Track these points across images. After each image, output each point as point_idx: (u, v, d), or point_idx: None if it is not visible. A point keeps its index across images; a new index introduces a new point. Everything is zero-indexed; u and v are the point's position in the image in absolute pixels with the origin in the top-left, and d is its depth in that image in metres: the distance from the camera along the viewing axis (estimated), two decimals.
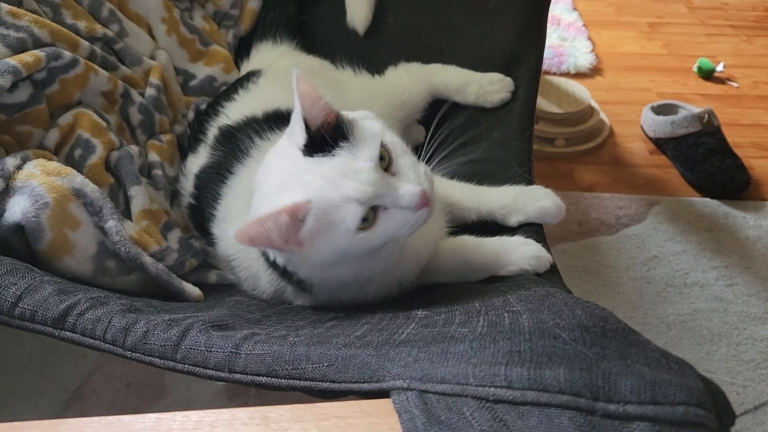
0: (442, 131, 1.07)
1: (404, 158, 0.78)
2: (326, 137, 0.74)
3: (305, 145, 0.76)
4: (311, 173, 0.74)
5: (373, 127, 0.78)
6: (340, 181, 0.73)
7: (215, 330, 0.67)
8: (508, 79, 1.23)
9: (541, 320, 0.57)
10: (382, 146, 0.76)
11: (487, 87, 1.22)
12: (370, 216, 0.74)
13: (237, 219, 0.96)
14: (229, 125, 1.07)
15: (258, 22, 1.45)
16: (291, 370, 0.60)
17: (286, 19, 1.39)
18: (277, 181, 0.77)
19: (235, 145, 1.02)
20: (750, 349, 1.42)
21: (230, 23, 1.44)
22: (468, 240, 0.92)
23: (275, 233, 0.72)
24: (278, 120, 1.03)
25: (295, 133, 0.78)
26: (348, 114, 0.79)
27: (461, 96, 1.24)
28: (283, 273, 0.84)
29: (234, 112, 1.10)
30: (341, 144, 0.74)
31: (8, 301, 0.67)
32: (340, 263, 0.77)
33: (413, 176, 0.76)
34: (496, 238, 0.91)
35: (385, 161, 0.76)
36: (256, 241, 0.72)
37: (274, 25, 1.37)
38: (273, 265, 0.85)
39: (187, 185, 1.08)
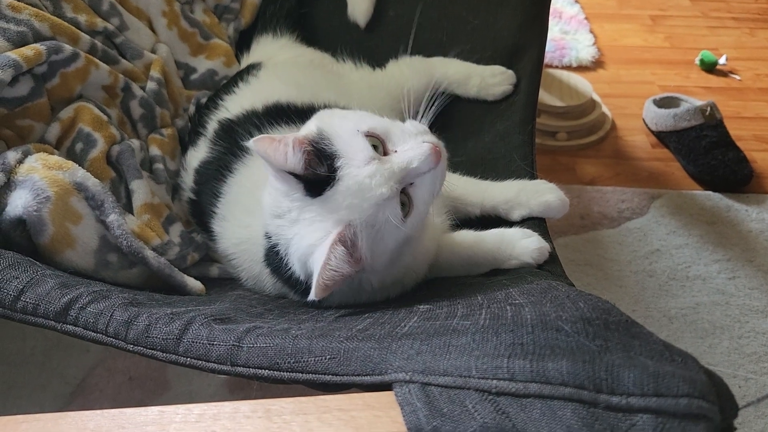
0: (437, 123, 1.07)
1: (393, 130, 0.77)
2: (316, 171, 0.73)
3: (306, 189, 0.74)
4: (337, 206, 0.73)
5: (345, 126, 0.76)
6: (361, 196, 0.72)
7: (217, 323, 0.67)
8: (510, 72, 1.22)
9: (543, 313, 0.57)
10: (368, 136, 0.75)
11: (489, 80, 1.22)
12: (405, 200, 0.74)
13: (238, 218, 0.96)
14: (229, 119, 1.07)
15: (259, 15, 1.44)
16: (293, 363, 0.60)
17: (287, 12, 1.39)
18: (294, 219, 0.76)
19: (235, 140, 1.02)
20: (752, 342, 1.42)
21: (231, 16, 1.43)
22: (468, 236, 0.91)
23: (342, 266, 0.71)
24: (278, 114, 1.02)
25: (281, 189, 0.76)
26: (314, 129, 0.76)
27: (463, 89, 1.24)
28: (287, 280, 0.83)
29: (234, 105, 1.10)
30: (335, 165, 0.73)
31: (10, 295, 0.67)
32: (398, 256, 0.77)
33: (411, 141, 0.75)
34: (495, 232, 0.90)
35: (379, 147, 0.75)
36: (333, 285, 0.71)
37: (275, 18, 1.37)
38: (276, 272, 0.84)
39: (188, 179, 1.08)
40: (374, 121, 0.77)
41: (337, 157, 0.73)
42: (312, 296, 0.70)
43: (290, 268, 0.79)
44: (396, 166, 0.72)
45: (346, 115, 0.80)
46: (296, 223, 0.75)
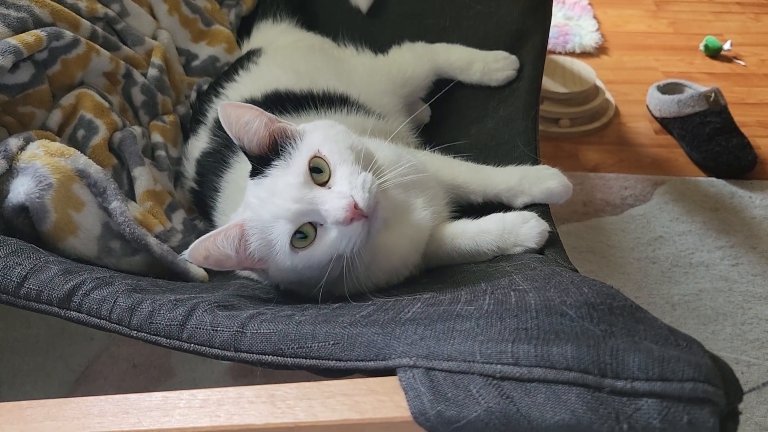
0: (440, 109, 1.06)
1: (344, 168, 0.75)
2: (265, 157, 0.77)
3: (251, 170, 0.78)
4: (253, 194, 0.76)
5: (312, 139, 0.77)
6: (269, 199, 0.74)
7: (221, 309, 0.67)
8: (513, 57, 1.21)
9: (547, 298, 0.57)
10: (318, 158, 0.75)
11: (492, 65, 1.21)
12: (311, 233, 0.74)
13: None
14: None
15: (260, 0, 1.43)
16: (297, 348, 0.60)
17: None
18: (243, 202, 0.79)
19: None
20: (755, 328, 1.42)
21: (232, 2, 1.42)
22: (468, 227, 0.90)
23: (229, 251, 0.74)
24: (277, 102, 1.02)
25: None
26: (300, 126, 0.79)
27: (466, 74, 1.23)
28: None
29: (234, 93, 1.10)
30: (274, 162, 0.76)
31: (14, 281, 0.67)
32: (302, 278, 0.77)
33: (345, 187, 0.73)
34: (495, 221, 0.88)
35: (325, 174, 0.75)
36: (210, 259, 0.74)
37: (275, 3, 1.36)
38: None
39: (190, 169, 1.08)
40: (345, 148, 0.76)
41: (281, 158, 0.76)
42: (186, 254, 0.73)
43: None
44: (313, 196, 0.72)
45: (331, 132, 0.79)
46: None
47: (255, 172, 0.77)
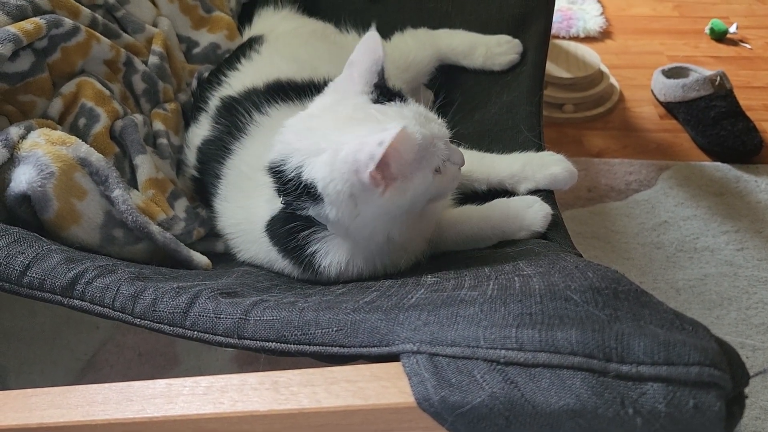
0: (444, 95, 1.06)
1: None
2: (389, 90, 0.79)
3: (379, 94, 0.78)
4: (396, 114, 0.75)
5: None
6: (425, 121, 0.75)
7: (224, 297, 0.67)
8: (516, 41, 1.20)
9: (552, 283, 0.57)
10: None
11: (495, 49, 1.20)
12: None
13: (237, 199, 0.96)
14: (230, 96, 1.06)
15: None
16: (300, 335, 0.60)
17: None
18: (344, 120, 0.76)
19: (235, 119, 1.01)
20: (760, 312, 1.42)
21: None
22: (473, 213, 0.90)
23: (405, 151, 0.70)
24: (278, 91, 1.01)
25: (355, 82, 0.79)
26: None
27: (469, 60, 1.22)
28: (289, 251, 0.83)
29: (236, 82, 1.09)
30: (402, 96, 0.79)
31: (16, 270, 0.67)
32: (404, 214, 0.77)
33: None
34: (499, 206, 0.89)
35: None
36: (389, 169, 0.70)
37: None
38: (278, 242, 0.84)
39: (191, 157, 1.08)
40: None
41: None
42: (368, 170, 0.68)
43: (293, 238, 0.80)
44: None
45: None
46: (348, 123, 0.75)
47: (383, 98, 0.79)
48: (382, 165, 0.68)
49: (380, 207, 0.73)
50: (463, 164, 0.79)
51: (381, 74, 0.79)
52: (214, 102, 1.08)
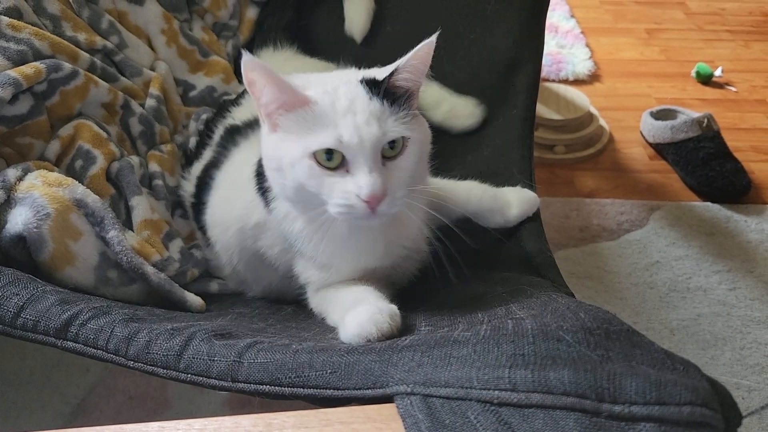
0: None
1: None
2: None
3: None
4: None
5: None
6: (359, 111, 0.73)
7: (218, 339, 0.67)
8: (482, 107, 1.22)
9: (544, 323, 0.57)
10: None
11: (458, 110, 1.22)
12: (337, 160, 0.72)
13: (221, 197, 0.99)
14: (234, 125, 1.09)
15: (256, 30, 1.45)
16: (294, 377, 0.60)
17: (285, 24, 1.40)
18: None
19: (234, 140, 1.04)
20: (754, 353, 1.42)
21: (229, 33, 1.44)
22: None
23: (274, 89, 0.73)
24: None
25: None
26: None
27: (431, 113, 1.22)
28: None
29: (239, 114, 1.11)
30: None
31: (10, 312, 0.67)
32: (293, 192, 0.76)
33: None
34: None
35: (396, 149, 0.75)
36: (253, 76, 0.72)
37: (273, 30, 1.38)
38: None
39: (189, 188, 1.09)
40: None
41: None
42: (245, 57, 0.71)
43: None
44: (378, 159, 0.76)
45: None
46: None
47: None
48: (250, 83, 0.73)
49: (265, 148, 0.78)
50: (365, 193, 0.71)
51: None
52: (218, 133, 1.10)
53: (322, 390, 0.59)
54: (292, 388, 0.60)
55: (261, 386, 0.61)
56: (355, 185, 0.71)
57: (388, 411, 0.52)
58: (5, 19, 0.94)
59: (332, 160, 0.72)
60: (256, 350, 0.64)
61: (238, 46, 1.44)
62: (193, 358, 0.65)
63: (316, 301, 0.87)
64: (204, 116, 1.26)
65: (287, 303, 0.97)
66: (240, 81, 1.36)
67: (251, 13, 1.45)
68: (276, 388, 0.61)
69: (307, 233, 0.82)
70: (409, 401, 0.51)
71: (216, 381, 0.63)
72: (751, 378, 1.36)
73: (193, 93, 1.31)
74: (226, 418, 0.54)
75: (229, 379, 0.63)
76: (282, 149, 0.75)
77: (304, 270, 0.87)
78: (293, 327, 0.84)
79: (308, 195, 0.75)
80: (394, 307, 0.73)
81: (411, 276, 0.93)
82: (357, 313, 0.71)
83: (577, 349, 0.50)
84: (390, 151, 0.74)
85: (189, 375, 0.64)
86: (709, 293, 1.55)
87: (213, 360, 0.64)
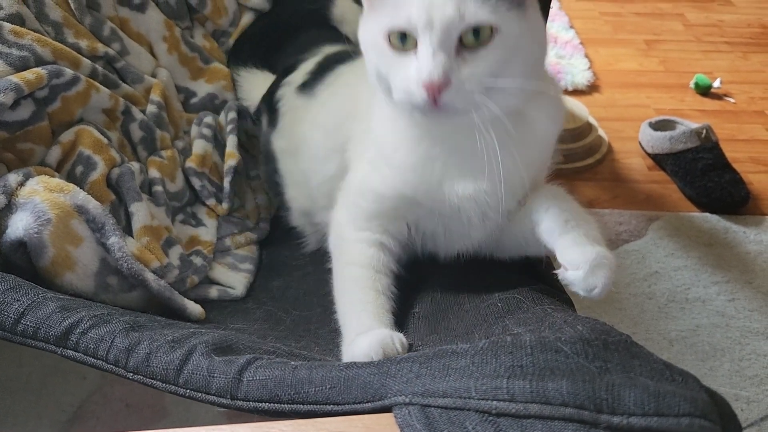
0: None
1: None
2: None
3: None
4: None
5: None
6: None
7: (218, 354, 0.67)
8: None
9: (542, 336, 0.57)
10: None
11: None
12: (411, 42, 0.66)
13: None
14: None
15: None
16: (293, 394, 0.60)
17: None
18: None
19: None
20: (753, 364, 1.41)
21: (226, 39, 1.45)
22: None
23: None
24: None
25: None
26: None
27: None
28: None
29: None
30: None
31: (11, 318, 0.67)
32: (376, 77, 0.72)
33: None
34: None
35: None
36: None
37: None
38: None
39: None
40: None
41: None
42: None
43: None
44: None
45: None
46: None
47: None
48: None
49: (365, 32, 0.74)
50: (421, 77, 0.64)
51: None
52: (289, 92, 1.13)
53: (321, 405, 0.59)
54: (292, 405, 0.60)
55: (260, 404, 0.61)
56: (415, 68, 0.65)
57: (386, 421, 0.52)
58: (8, 25, 0.94)
59: (406, 43, 0.67)
60: (255, 367, 0.64)
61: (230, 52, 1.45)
62: (193, 373, 0.65)
63: (337, 285, 0.84)
64: (206, 119, 1.26)
65: (286, 313, 0.97)
66: None
67: (246, 18, 1.46)
68: (275, 405, 0.60)
69: (383, 127, 0.77)
70: (407, 411, 0.51)
71: (215, 398, 0.63)
72: (750, 389, 1.36)
73: (194, 100, 1.32)
74: (223, 426, 0.54)
75: (228, 396, 0.63)
76: (366, 29, 0.72)
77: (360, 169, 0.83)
78: (291, 339, 0.84)
79: (382, 80, 0.70)
80: (401, 336, 0.72)
81: (465, 248, 0.87)
82: (369, 337, 0.70)
83: (575, 360, 0.51)
84: (472, 39, 0.65)
85: (188, 390, 0.64)
86: (707, 304, 1.55)
87: (212, 376, 0.64)
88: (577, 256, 0.71)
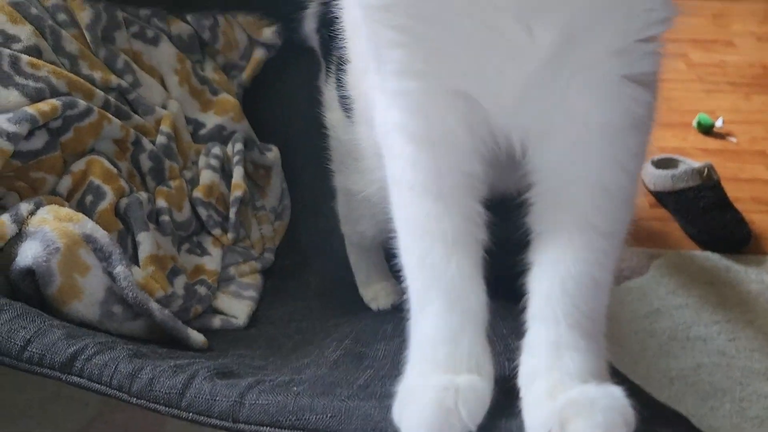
0: None
1: None
2: None
3: None
4: None
5: None
6: None
7: (220, 377, 0.68)
8: None
9: None
10: None
11: None
12: None
13: None
14: None
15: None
16: (295, 420, 0.61)
17: None
18: None
19: None
20: (754, 405, 1.41)
21: (237, 73, 1.48)
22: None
23: None
24: None
25: None
26: None
27: None
28: None
29: None
30: None
31: (17, 345, 0.68)
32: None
33: None
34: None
35: None
36: None
37: None
38: None
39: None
40: None
41: None
42: None
43: None
44: None
45: None
46: None
47: None
48: None
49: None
50: None
51: None
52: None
53: None
54: (293, 431, 0.61)
55: (261, 428, 0.62)
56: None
57: None
58: (26, 57, 0.97)
59: None
60: (257, 391, 0.65)
61: (242, 85, 1.47)
62: (196, 396, 0.65)
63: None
64: (214, 150, 1.28)
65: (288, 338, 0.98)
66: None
67: (258, 53, 1.48)
68: (276, 430, 0.62)
69: None
70: None
71: (217, 421, 0.64)
72: (751, 430, 1.35)
73: (203, 131, 1.34)
74: None
75: (230, 420, 0.64)
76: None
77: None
78: (293, 360, 0.85)
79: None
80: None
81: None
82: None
83: None
84: None
85: (191, 414, 0.65)
86: (708, 343, 1.54)
87: (215, 399, 0.65)
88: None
